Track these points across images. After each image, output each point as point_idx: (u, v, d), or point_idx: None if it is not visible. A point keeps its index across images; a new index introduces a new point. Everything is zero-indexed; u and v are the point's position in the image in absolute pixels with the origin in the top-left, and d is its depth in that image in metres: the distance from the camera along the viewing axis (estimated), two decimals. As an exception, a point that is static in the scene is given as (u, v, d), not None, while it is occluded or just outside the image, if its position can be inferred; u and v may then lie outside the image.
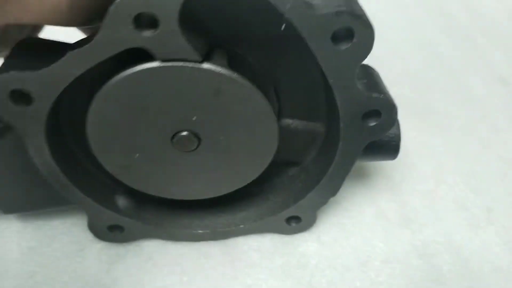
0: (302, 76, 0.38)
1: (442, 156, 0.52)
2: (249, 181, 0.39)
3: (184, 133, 0.34)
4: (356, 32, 0.30)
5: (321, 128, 0.41)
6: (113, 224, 0.41)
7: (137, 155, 0.36)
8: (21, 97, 0.31)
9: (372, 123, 0.36)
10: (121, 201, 0.42)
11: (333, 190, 0.41)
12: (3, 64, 0.31)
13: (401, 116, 0.43)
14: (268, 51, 0.36)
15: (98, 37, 0.29)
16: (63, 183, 0.37)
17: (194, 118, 0.33)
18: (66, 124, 0.37)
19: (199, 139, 0.35)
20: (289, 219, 0.43)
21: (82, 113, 0.34)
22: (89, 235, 0.43)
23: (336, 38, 0.31)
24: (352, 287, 0.41)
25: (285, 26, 0.31)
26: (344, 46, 0.31)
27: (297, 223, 0.43)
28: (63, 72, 0.30)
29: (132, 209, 0.42)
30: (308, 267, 0.42)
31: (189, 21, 0.30)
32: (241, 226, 0.43)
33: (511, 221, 0.47)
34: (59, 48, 0.31)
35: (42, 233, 0.44)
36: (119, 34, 0.29)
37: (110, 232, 0.42)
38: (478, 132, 0.54)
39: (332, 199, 0.46)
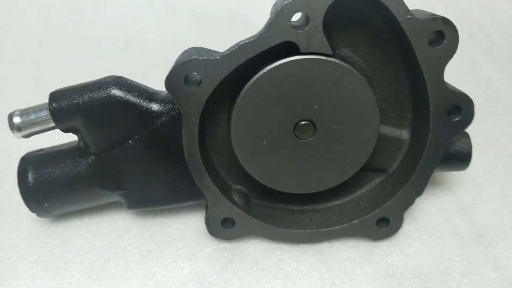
0: (394, 84, 0.47)
1: (505, 181, 0.59)
2: (351, 174, 0.47)
3: (305, 122, 0.44)
4: (446, 35, 0.41)
5: (406, 135, 0.49)
6: (227, 216, 0.48)
7: (265, 142, 0.44)
8: (193, 80, 0.42)
9: (456, 118, 0.45)
10: (236, 196, 0.50)
11: (420, 190, 0.48)
12: (179, 57, 0.43)
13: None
14: (370, 58, 0.46)
15: (263, 32, 0.40)
16: (198, 166, 0.46)
17: (316, 107, 0.43)
18: (210, 115, 0.47)
19: (315, 128, 0.44)
20: (378, 222, 0.50)
21: (225, 104, 0.46)
22: (200, 241, 0.50)
23: (431, 40, 0.42)
24: (436, 295, 0.48)
25: (388, 33, 0.44)
26: (436, 47, 0.42)
27: (386, 225, 0.50)
28: (230, 60, 0.41)
29: (243, 204, 0.49)
30: (395, 276, 0.49)
31: (324, 24, 0.40)
32: (336, 227, 0.50)
33: None
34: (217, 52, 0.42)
35: (159, 238, 0.51)
36: (279, 29, 0.40)
37: (222, 226, 0.49)
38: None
39: (411, 217, 0.53)
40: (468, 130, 0.62)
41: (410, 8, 0.42)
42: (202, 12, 0.87)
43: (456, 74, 0.72)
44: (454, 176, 0.58)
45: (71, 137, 0.50)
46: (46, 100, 0.47)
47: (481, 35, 0.78)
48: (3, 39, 0.83)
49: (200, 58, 0.41)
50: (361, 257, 0.50)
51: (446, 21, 0.41)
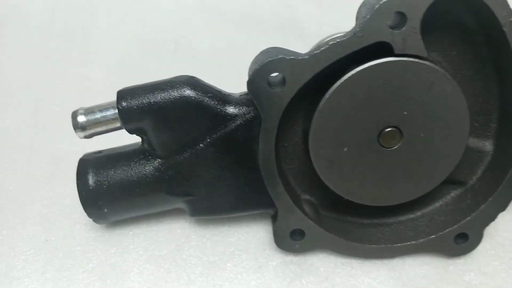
0: (481, 92, 0.45)
1: None
2: (434, 186, 0.45)
3: (391, 128, 0.41)
4: None
5: (489, 147, 0.46)
6: (297, 228, 0.46)
7: (346, 149, 0.42)
8: (277, 81, 0.40)
9: None
10: (306, 206, 0.47)
11: (504, 204, 0.46)
12: (258, 58, 0.42)
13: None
14: (458, 63, 0.44)
15: (357, 31, 0.38)
16: (272, 173, 0.43)
17: (405, 113, 0.41)
18: (288, 120, 0.45)
19: (401, 136, 0.41)
20: (457, 237, 0.47)
21: (307, 108, 0.43)
22: (265, 253, 0.48)
23: None
24: (519, 318, 0.45)
25: (480, 38, 0.42)
26: None
27: (464, 242, 0.47)
28: (319, 60, 0.39)
29: (314, 215, 0.47)
30: (475, 295, 0.46)
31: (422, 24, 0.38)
32: (410, 243, 0.47)
33: None
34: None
35: (221, 249, 0.48)
36: (375, 28, 0.38)
37: (291, 239, 0.46)
38: None
39: (486, 234, 0.50)
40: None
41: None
42: (253, 18, 0.86)
43: None
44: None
45: (122, 141, 0.48)
46: (97, 100, 0.45)
47: None
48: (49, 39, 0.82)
49: (287, 58, 0.39)
50: (438, 275, 0.48)
51: None
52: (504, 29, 0.39)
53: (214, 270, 0.47)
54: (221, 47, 0.78)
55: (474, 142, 0.47)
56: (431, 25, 0.42)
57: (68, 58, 0.77)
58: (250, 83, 0.40)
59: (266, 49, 0.43)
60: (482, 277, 0.48)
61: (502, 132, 0.46)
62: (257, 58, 0.42)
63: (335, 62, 0.39)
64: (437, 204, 0.49)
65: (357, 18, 0.40)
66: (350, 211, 0.49)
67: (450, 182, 0.48)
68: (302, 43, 0.48)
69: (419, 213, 0.50)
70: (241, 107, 0.44)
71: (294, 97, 0.41)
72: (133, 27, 0.84)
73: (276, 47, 0.43)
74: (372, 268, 0.48)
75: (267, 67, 0.39)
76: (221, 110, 0.43)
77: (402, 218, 0.50)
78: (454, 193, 0.49)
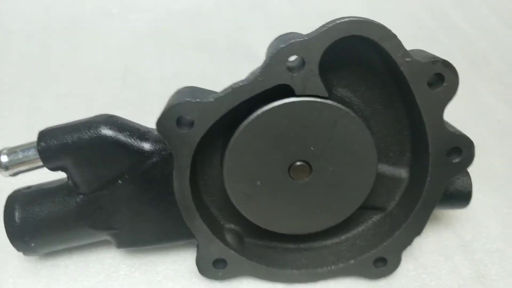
0: (392, 124, 0.48)
1: (508, 217, 0.59)
2: (348, 215, 0.48)
3: (300, 163, 0.44)
4: (446, 77, 0.42)
5: (405, 174, 0.50)
6: (219, 257, 0.49)
7: (259, 183, 0.45)
8: (184, 122, 0.43)
9: (456, 160, 0.46)
10: (229, 236, 0.50)
11: (418, 229, 0.49)
12: (171, 98, 0.44)
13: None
14: (369, 99, 0.47)
15: (259, 75, 0.41)
16: (189, 207, 0.46)
17: (312, 148, 0.43)
18: (202, 157, 0.47)
19: (311, 169, 0.44)
20: (376, 261, 0.50)
21: (219, 145, 0.46)
22: (191, 281, 0.51)
23: (430, 82, 0.42)
24: (434, 339, 0.48)
25: (387, 74, 0.45)
26: (436, 89, 0.42)
27: (383, 265, 0.50)
28: (224, 103, 0.42)
29: (236, 244, 0.50)
30: (393, 318, 0.49)
31: (322, 65, 0.41)
32: (332, 267, 0.50)
33: None
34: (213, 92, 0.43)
35: (149, 278, 0.51)
36: (274, 72, 0.41)
37: (214, 267, 0.49)
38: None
39: (410, 255, 0.53)
40: (473, 164, 0.63)
41: (412, 44, 0.42)
42: (204, 42, 0.89)
43: (458, 105, 0.73)
44: (455, 212, 0.58)
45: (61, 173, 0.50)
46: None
47: (483, 64, 0.79)
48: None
49: (193, 101, 0.42)
50: (359, 298, 0.50)
51: (446, 64, 0.42)
52: (401, 69, 0.42)
53: (140, 300, 0.49)
54: (171, 73, 0.81)
55: (390, 170, 0.50)
56: (336, 64, 0.45)
57: (17, 88, 0.80)
58: (158, 124, 0.43)
59: (181, 88, 0.45)
60: (401, 299, 0.51)
61: (415, 161, 0.49)
62: (170, 98, 0.45)
63: (243, 102, 0.42)
64: (359, 229, 0.52)
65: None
66: (275, 237, 0.51)
67: (370, 208, 0.51)
68: (251, 66, 0.50)
69: (343, 237, 0.52)
70: (158, 144, 0.46)
71: (210, 134, 0.44)
72: (83, 55, 0.87)
73: (190, 87, 0.46)
74: (295, 293, 0.51)
75: (174, 109, 0.42)
76: (138, 147, 0.46)
77: (327, 242, 0.52)
78: (375, 218, 0.52)
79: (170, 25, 0.93)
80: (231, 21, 0.94)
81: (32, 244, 0.48)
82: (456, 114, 0.69)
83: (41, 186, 0.50)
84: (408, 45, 0.42)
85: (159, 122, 0.43)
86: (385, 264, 0.50)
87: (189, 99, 0.42)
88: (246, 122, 0.43)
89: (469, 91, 0.75)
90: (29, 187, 0.51)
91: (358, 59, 0.45)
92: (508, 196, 0.61)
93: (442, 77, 0.42)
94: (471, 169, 0.61)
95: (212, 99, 0.42)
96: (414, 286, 0.52)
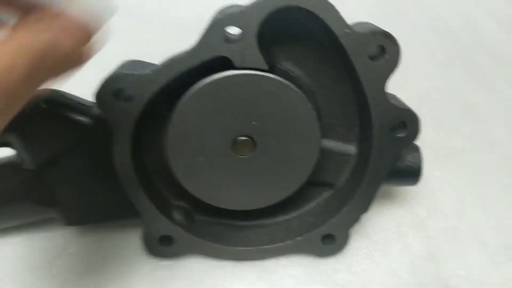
0: (339, 99, 0.48)
1: (465, 195, 0.59)
2: (294, 189, 0.48)
3: (243, 137, 0.44)
4: (388, 49, 0.41)
5: (353, 150, 0.49)
6: (165, 234, 0.49)
7: (202, 158, 0.45)
8: (123, 95, 0.42)
9: (400, 134, 0.45)
10: (175, 213, 0.50)
11: (365, 206, 0.49)
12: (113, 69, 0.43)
13: (427, 157, 0.51)
14: (314, 73, 0.47)
15: (195, 47, 0.40)
16: (132, 183, 0.46)
17: (254, 123, 0.43)
18: (146, 131, 0.47)
19: (255, 144, 0.44)
20: (324, 238, 0.50)
21: (161, 120, 0.45)
22: (140, 259, 0.51)
23: (371, 54, 0.42)
24: (381, 315, 0.48)
25: (331, 47, 0.44)
26: (377, 61, 0.42)
27: (331, 243, 0.50)
28: (162, 75, 0.41)
29: (184, 221, 0.50)
30: (340, 295, 0.49)
31: (260, 37, 0.41)
32: (280, 244, 0.50)
33: (530, 258, 0.53)
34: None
35: (98, 255, 0.52)
36: (212, 44, 0.40)
37: (160, 244, 0.49)
38: (499, 173, 0.61)
39: (362, 233, 0.53)
40: (433, 141, 0.64)
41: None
42: (171, 19, 0.88)
43: (425, 83, 0.73)
44: (411, 189, 0.58)
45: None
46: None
47: (452, 42, 0.79)
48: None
49: (130, 73, 0.42)
50: (307, 275, 0.51)
51: (387, 35, 0.41)
52: (341, 40, 0.41)
53: (88, 277, 0.49)
54: (137, 51, 0.79)
55: (339, 146, 0.50)
56: (279, 36, 0.44)
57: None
58: (97, 98, 0.42)
59: (124, 61, 0.45)
60: (350, 276, 0.51)
61: (362, 136, 0.49)
62: (113, 70, 0.44)
63: (189, 74, 0.42)
64: (310, 206, 0.52)
65: None
66: (225, 214, 0.51)
67: (321, 184, 0.51)
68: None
69: (294, 214, 0.52)
70: (101, 119, 0.46)
71: (152, 109, 0.44)
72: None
73: (133, 60, 0.45)
74: (244, 271, 0.51)
75: (111, 81, 0.42)
76: (81, 122, 0.45)
77: (278, 219, 0.52)
78: (325, 194, 0.52)
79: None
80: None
81: (-22, 222, 0.49)
82: (419, 92, 0.70)
83: (-14, 163, 0.50)
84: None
85: (97, 95, 0.42)
86: (334, 241, 0.50)
87: (126, 72, 0.42)
88: (185, 97, 0.42)
89: (437, 69, 0.75)
90: None
91: (302, 32, 0.44)
92: (466, 174, 0.61)
93: (383, 49, 0.42)
94: (430, 147, 0.62)
95: (149, 71, 0.41)
96: (364, 264, 0.52)
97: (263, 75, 0.42)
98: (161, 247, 0.50)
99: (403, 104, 0.47)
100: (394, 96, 0.48)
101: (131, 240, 0.53)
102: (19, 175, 0.48)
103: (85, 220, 0.50)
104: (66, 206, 0.49)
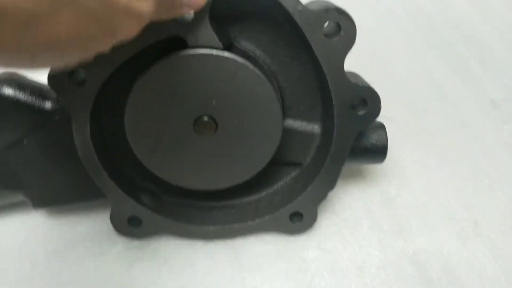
0: (301, 79, 0.48)
1: (435, 174, 0.60)
2: (258, 169, 0.48)
3: (205, 118, 0.44)
4: (343, 26, 0.41)
5: (318, 129, 0.50)
6: (133, 215, 0.49)
7: (163, 139, 0.45)
8: (77, 77, 0.41)
9: (361, 112, 0.46)
10: (143, 195, 0.50)
11: (331, 183, 0.49)
12: None
13: (398, 137, 0.52)
14: (274, 53, 0.47)
15: (148, 27, 0.39)
16: (95, 166, 0.46)
17: (214, 103, 0.43)
18: (107, 112, 0.47)
19: (216, 125, 0.44)
20: (292, 216, 0.51)
21: (121, 102, 0.44)
22: (110, 240, 0.51)
23: (327, 32, 0.42)
24: (349, 290, 0.49)
25: (289, 27, 0.43)
26: (333, 39, 0.42)
27: (300, 220, 0.51)
28: (113, 57, 0.40)
29: (151, 202, 0.50)
30: (309, 271, 0.50)
31: (215, 17, 0.41)
32: (249, 223, 0.51)
33: (497, 233, 0.54)
34: None
35: (67, 237, 0.52)
36: (164, 23, 0.38)
37: (129, 225, 0.50)
38: (469, 152, 0.62)
39: (332, 211, 0.54)
40: (405, 121, 0.64)
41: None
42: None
43: (398, 64, 0.73)
44: (381, 168, 0.59)
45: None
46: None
47: (432, 31, 0.79)
48: None
49: None
50: (276, 252, 0.52)
51: (340, 12, 0.41)
52: (295, 18, 0.41)
53: (57, 258, 0.50)
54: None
55: (303, 125, 0.50)
56: (235, 14, 0.44)
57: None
58: (50, 79, 0.42)
59: None
60: (319, 253, 0.52)
61: (325, 115, 0.49)
62: None
63: (146, 55, 0.42)
64: (278, 185, 0.53)
65: None
66: (193, 195, 0.52)
67: (288, 163, 0.52)
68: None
69: (263, 194, 0.53)
70: (60, 102, 0.46)
71: (111, 90, 0.44)
72: None
73: None
74: (214, 250, 0.52)
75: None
76: (39, 106, 0.45)
77: (248, 199, 0.53)
78: (293, 174, 0.52)
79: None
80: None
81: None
82: (393, 74, 0.71)
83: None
84: None
85: (50, 78, 0.41)
86: (302, 219, 0.51)
87: None
88: (140, 79, 0.42)
89: (411, 52, 0.75)
90: None
91: (258, 10, 0.44)
92: (436, 153, 0.62)
93: (338, 26, 0.42)
94: (402, 127, 0.63)
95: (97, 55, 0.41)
96: (333, 240, 0.53)
97: (218, 55, 0.41)
98: (130, 227, 0.50)
99: (363, 82, 0.47)
100: (355, 74, 0.49)
101: (101, 221, 0.53)
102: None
103: (52, 202, 0.51)
104: (30, 188, 0.49)
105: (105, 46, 0.29)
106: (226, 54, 0.42)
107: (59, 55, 0.27)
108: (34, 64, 0.26)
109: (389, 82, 0.68)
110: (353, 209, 0.56)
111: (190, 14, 0.39)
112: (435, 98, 0.69)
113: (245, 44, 0.46)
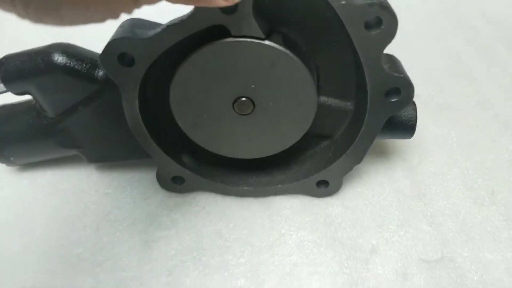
0: (338, 60, 0.51)
1: (456, 147, 0.64)
2: (290, 144, 0.52)
3: (243, 98, 0.48)
4: (384, 20, 0.42)
5: (350, 106, 0.54)
6: (177, 175, 0.55)
7: (205, 115, 0.49)
8: (126, 59, 0.45)
9: (393, 99, 0.48)
10: (185, 157, 0.56)
11: (358, 158, 0.53)
12: (114, 33, 0.45)
13: (423, 111, 0.56)
14: (314, 37, 0.49)
15: (192, 15, 0.42)
16: (143, 134, 0.51)
17: (252, 86, 0.47)
18: (153, 88, 0.51)
19: (254, 105, 0.48)
20: (319, 183, 0.56)
21: (166, 80, 0.48)
22: (154, 188, 0.57)
23: (368, 25, 0.42)
24: (369, 244, 0.53)
25: (330, 16, 0.44)
26: (374, 32, 0.42)
27: (325, 187, 0.56)
28: (161, 41, 0.44)
29: (193, 164, 0.56)
30: (332, 224, 0.55)
31: (258, 7, 0.43)
32: (279, 186, 0.56)
33: (512, 203, 0.57)
34: (156, 26, 0.45)
35: (116, 183, 0.58)
36: (208, 13, 0.42)
37: (173, 182, 0.56)
38: (489, 128, 0.66)
39: (357, 175, 0.59)
40: (428, 97, 0.68)
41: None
42: None
43: (425, 44, 0.77)
44: (405, 140, 0.63)
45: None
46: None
47: (454, 9, 0.82)
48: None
49: (132, 38, 0.43)
50: (302, 207, 0.56)
51: (383, 7, 0.41)
52: (337, 11, 0.42)
53: (107, 200, 0.56)
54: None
55: (336, 102, 0.53)
56: (279, 3, 0.47)
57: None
58: (101, 61, 0.44)
59: (123, 21, 0.47)
60: (343, 210, 0.56)
61: (358, 97, 0.52)
62: (115, 32, 0.46)
63: (192, 38, 0.44)
64: (307, 153, 0.57)
65: None
66: (230, 160, 0.56)
67: (319, 135, 0.56)
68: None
69: (292, 161, 0.58)
70: None
71: (159, 68, 0.47)
72: None
73: (132, 20, 0.47)
74: (246, 201, 0.57)
75: (113, 46, 0.44)
76: (91, 75, 0.49)
77: (279, 165, 0.58)
78: (323, 144, 0.57)
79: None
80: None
81: (12, 158, 0.56)
82: (419, 54, 0.75)
83: (13, 107, 0.55)
84: None
85: (102, 59, 0.44)
86: (327, 186, 0.56)
87: (127, 35, 0.43)
88: (186, 61, 0.45)
89: (437, 33, 0.79)
90: (3, 106, 0.55)
91: (302, 2, 0.46)
92: (458, 128, 0.66)
93: (380, 20, 0.42)
94: (426, 103, 0.67)
95: (149, 37, 0.43)
96: (357, 200, 0.57)
97: (259, 43, 0.44)
98: (174, 184, 0.56)
99: (398, 68, 0.50)
100: (391, 58, 0.51)
101: (147, 171, 0.59)
102: (41, 121, 0.53)
103: (104, 159, 0.57)
104: (85, 148, 0.55)
105: (127, 7, 0.29)
106: (267, 42, 0.44)
107: (83, 11, 0.27)
108: (62, 20, 0.28)
109: (417, 61, 0.72)
110: (377, 174, 0.60)
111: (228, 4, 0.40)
112: (459, 77, 0.73)
113: (285, 30, 0.48)
